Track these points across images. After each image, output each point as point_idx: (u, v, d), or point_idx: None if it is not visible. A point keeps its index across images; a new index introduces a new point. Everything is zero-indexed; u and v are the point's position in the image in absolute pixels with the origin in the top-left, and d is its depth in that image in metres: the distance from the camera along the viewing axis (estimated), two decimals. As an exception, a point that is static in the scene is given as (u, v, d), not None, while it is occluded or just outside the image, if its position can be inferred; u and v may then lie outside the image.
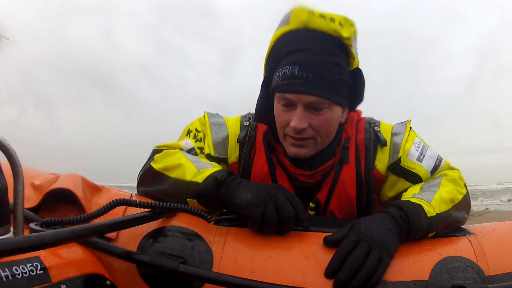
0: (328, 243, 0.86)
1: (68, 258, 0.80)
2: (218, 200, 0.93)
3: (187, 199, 0.97)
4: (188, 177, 0.97)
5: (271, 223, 0.86)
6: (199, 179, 0.95)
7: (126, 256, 0.83)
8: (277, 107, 1.09)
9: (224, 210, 1.01)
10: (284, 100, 1.05)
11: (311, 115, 1.04)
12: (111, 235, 0.92)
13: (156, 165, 1.07)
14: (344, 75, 1.06)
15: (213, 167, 1.00)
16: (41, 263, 0.70)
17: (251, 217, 0.87)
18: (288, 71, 1.02)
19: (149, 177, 1.08)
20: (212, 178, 0.94)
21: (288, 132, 1.07)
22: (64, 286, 0.72)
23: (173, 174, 1.01)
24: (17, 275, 0.65)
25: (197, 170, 0.99)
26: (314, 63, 1.01)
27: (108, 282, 0.83)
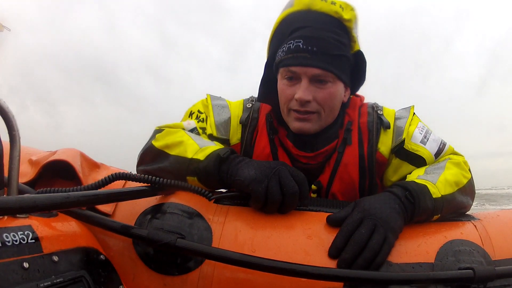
0: (331, 222, 0.84)
1: (62, 231, 0.77)
2: (219, 178, 0.91)
3: (187, 177, 0.94)
4: (190, 154, 0.95)
5: (275, 199, 0.84)
6: (201, 156, 0.93)
7: (123, 230, 0.80)
8: (281, 82, 1.09)
9: (224, 190, 0.98)
10: (289, 73, 1.05)
11: (316, 88, 1.04)
12: (108, 210, 0.89)
13: (157, 143, 1.05)
14: (347, 52, 1.08)
15: (215, 145, 0.99)
16: (33, 232, 0.68)
17: (254, 193, 0.85)
18: (293, 45, 1.03)
19: (150, 155, 1.06)
20: (214, 155, 0.92)
21: (292, 106, 1.06)
22: (56, 257, 0.70)
23: (174, 152, 0.99)
24: (7, 243, 0.62)
25: (199, 147, 0.97)
26: (318, 37, 1.03)
27: (102, 256, 0.80)
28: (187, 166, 0.94)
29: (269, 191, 0.84)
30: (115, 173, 0.82)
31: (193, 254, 0.78)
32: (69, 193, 0.67)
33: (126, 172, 0.85)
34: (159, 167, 1.02)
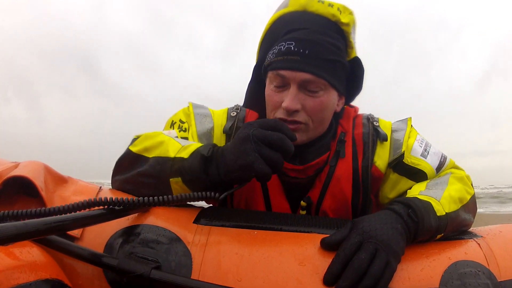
0: (326, 245, 0.75)
1: (21, 260, 0.67)
2: (209, 180, 0.82)
3: (171, 179, 0.85)
4: (172, 153, 0.87)
5: (274, 159, 0.78)
6: (184, 154, 0.85)
7: (91, 258, 0.71)
8: (269, 88, 1.01)
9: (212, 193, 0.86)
10: (277, 78, 0.98)
11: (306, 96, 0.96)
12: (76, 233, 0.79)
13: (134, 148, 0.95)
14: (343, 58, 1.00)
15: (198, 144, 0.90)
16: (-17, 267, 0.58)
17: (254, 173, 0.78)
18: (284, 47, 0.96)
19: (127, 162, 0.96)
20: (198, 154, 0.83)
21: (279, 115, 0.98)
22: None
23: (154, 154, 0.90)
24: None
25: (181, 145, 0.88)
26: (312, 40, 0.96)
27: (67, 289, 0.71)
28: (170, 166, 0.85)
29: (265, 158, 0.78)
30: (95, 200, 0.68)
31: (170, 287, 0.68)
32: (26, 221, 0.57)
33: (102, 197, 0.72)
34: (138, 172, 0.92)
